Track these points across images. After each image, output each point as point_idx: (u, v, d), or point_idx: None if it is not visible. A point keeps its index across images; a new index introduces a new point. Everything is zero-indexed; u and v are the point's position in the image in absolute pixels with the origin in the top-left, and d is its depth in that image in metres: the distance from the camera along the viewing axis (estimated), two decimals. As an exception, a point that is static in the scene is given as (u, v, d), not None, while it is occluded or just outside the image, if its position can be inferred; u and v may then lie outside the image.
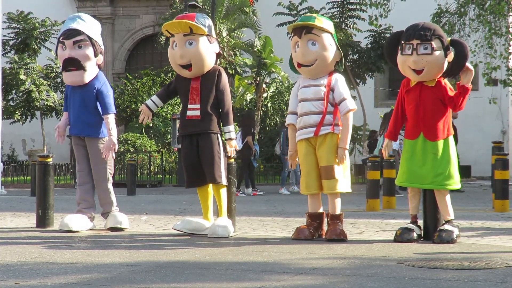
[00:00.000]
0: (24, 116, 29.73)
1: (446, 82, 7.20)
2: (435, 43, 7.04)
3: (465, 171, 27.32)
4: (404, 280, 5.00)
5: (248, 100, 30.41)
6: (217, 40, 8.01)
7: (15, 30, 30.39)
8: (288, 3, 27.41)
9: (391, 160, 13.18)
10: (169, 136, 28.06)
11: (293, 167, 7.66)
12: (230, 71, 29.84)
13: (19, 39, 30.35)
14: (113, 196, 8.31)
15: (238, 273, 5.32)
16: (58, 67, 28.36)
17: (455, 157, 7.16)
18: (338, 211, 7.35)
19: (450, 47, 7.09)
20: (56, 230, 8.22)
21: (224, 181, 7.67)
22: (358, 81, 27.57)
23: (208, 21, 7.74)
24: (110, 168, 8.26)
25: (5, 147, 33.14)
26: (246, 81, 29.61)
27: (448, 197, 7.15)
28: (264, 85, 29.51)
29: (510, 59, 23.48)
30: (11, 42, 30.54)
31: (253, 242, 7.28)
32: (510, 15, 22.94)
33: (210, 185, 7.73)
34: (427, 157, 7.08)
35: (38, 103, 29.06)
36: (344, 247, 6.72)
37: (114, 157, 8.27)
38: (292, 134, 7.57)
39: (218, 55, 7.87)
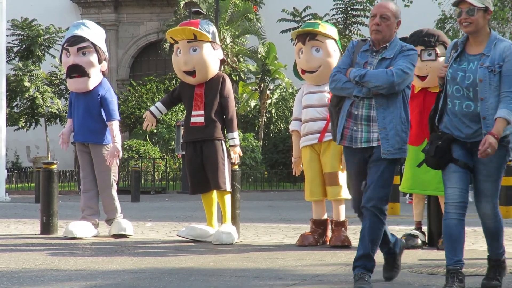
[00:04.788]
0: (28, 123, 29.77)
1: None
2: (439, 49, 7.05)
3: (469, 177, 27.19)
4: (408, 287, 5.00)
5: (252, 107, 30.45)
6: (221, 46, 8.01)
7: (19, 37, 30.44)
8: (292, 9, 27.45)
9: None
10: (173, 143, 28.06)
11: (297, 174, 7.65)
12: (234, 78, 29.86)
13: (24, 46, 30.39)
14: (117, 203, 8.31)
15: (243, 280, 5.32)
16: (62, 74, 28.40)
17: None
18: (342, 218, 7.35)
19: None
20: (61, 237, 8.22)
21: (228, 187, 7.67)
22: (362, 87, 27.56)
23: (212, 28, 7.76)
24: (114, 175, 8.26)
25: (9, 154, 33.16)
26: (250, 87, 29.65)
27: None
28: (268, 92, 29.55)
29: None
30: (16, 49, 30.58)
31: (258, 248, 7.28)
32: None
33: (215, 191, 7.73)
34: (431, 164, 7.06)
35: (42, 110, 29.10)
36: (349, 254, 6.71)
37: (118, 164, 8.27)
38: (296, 141, 7.57)
39: (222, 62, 7.88)
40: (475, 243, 7.83)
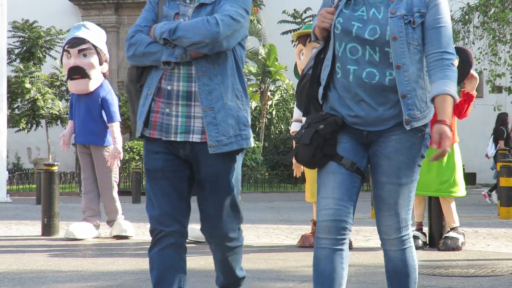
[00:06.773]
0: (29, 125, 29.80)
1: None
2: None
3: (470, 178, 27.33)
4: None
5: (253, 108, 30.45)
6: (222, 48, 7.95)
7: (20, 39, 30.47)
8: (292, 11, 27.47)
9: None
10: (174, 144, 28.09)
11: (298, 175, 7.65)
12: (234, 79, 29.87)
13: (24, 48, 30.42)
14: (118, 204, 8.32)
15: (243, 281, 5.32)
16: (63, 76, 28.43)
17: (460, 164, 7.16)
18: (343, 219, 7.33)
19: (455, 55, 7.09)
20: (62, 238, 8.23)
21: (229, 189, 7.64)
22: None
23: (213, 29, 7.75)
24: (115, 176, 8.28)
25: (10, 155, 33.18)
26: (251, 89, 29.66)
27: (453, 204, 7.15)
28: (268, 93, 29.56)
29: (515, 66, 23.48)
30: (17, 51, 30.62)
31: (258, 249, 7.28)
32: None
33: (215, 193, 7.71)
34: (432, 165, 7.06)
35: (43, 112, 29.11)
36: (349, 255, 6.71)
37: (119, 165, 8.29)
38: (297, 142, 7.53)
39: (223, 63, 7.85)
40: (476, 244, 7.83)
